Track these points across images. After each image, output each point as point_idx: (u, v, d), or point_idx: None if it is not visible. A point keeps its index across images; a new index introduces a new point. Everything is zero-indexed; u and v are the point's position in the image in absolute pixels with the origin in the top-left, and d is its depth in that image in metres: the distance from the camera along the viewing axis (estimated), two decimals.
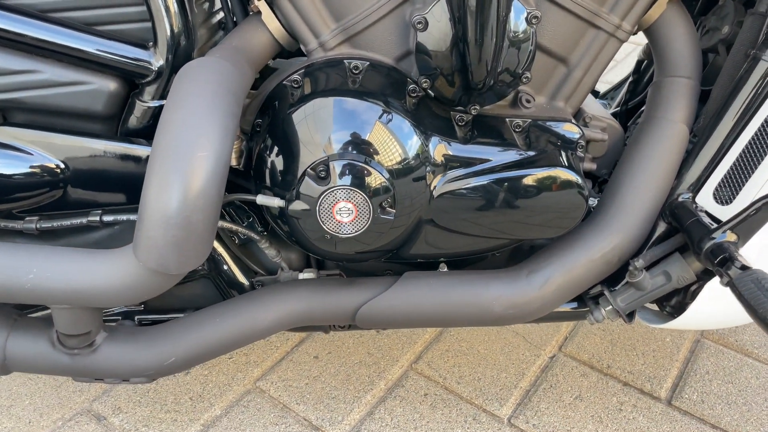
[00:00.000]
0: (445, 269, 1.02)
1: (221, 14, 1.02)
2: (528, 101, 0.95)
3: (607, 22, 0.91)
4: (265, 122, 0.91)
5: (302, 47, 0.93)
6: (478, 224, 0.91)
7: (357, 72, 0.90)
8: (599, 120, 1.01)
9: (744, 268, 0.79)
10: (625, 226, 0.94)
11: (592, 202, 1.01)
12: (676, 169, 0.95)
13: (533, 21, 0.85)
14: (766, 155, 0.88)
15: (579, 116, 1.01)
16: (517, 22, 0.84)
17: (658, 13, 0.94)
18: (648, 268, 0.95)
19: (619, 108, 1.24)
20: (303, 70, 0.91)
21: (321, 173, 0.83)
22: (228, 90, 0.79)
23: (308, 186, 0.83)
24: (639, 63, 1.22)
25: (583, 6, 0.90)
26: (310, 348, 1.31)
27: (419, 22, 0.85)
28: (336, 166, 0.83)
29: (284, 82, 0.91)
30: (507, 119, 0.94)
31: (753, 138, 0.88)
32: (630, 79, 1.24)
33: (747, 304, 0.75)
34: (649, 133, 0.97)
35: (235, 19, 1.00)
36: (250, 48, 0.91)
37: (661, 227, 0.97)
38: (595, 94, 1.36)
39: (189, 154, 0.73)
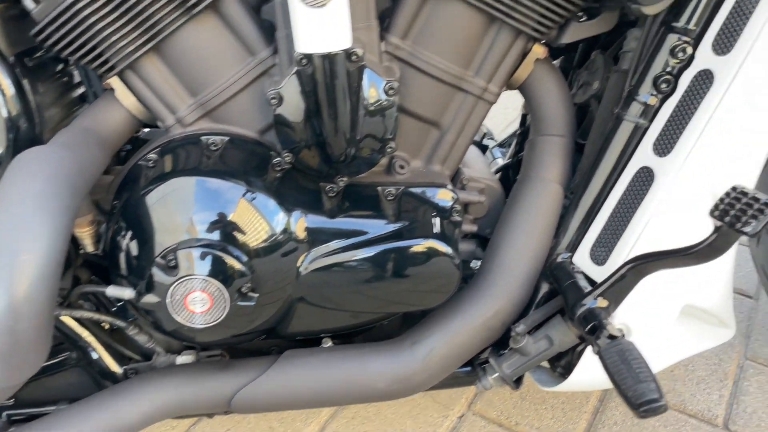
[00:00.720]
0: (330, 344, 0.98)
1: (82, 88, 0.97)
2: (402, 167, 0.93)
3: (474, 85, 0.90)
4: (119, 204, 0.85)
5: (159, 124, 0.89)
6: (350, 300, 0.87)
7: (215, 148, 0.86)
8: (477, 181, 1.00)
9: (611, 337, 0.77)
10: (506, 290, 0.92)
11: (476, 264, 0.98)
12: (553, 228, 0.94)
13: (390, 92, 0.83)
14: (634, 215, 0.87)
15: (457, 178, 0.99)
16: (374, 93, 0.82)
17: (527, 72, 0.93)
18: (532, 331, 0.93)
19: (510, 159, 1.24)
20: (159, 149, 0.86)
21: (171, 262, 0.78)
22: (62, 181, 0.74)
23: (158, 277, 0.78)
24: (524, 116, 1.22)
25: (447, 71, 0.88)
26: (207, 427, 1.24)
27: (273, 98, 0.81)
28: (186, 254, 0.78)
29: (140, 162, 0.87)
30: (380, 187, 0.91)
31: (622, 197, 0.88)
32: (518, 131, 1.24)
33: (611, 376, 0.73)
34: (525, 193, 0.95)
35: (95, 92, 0.96)
36: (104, 128, 0.86)
37: (545, 288, 0.95)
38: (479, 147, 1.35)
39: (10, 258, 0.68)
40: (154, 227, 0.80)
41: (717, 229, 0.69)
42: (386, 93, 0.83)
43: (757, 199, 0.65)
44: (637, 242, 0.86)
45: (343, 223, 0.87)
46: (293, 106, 0.82)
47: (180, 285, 0.78)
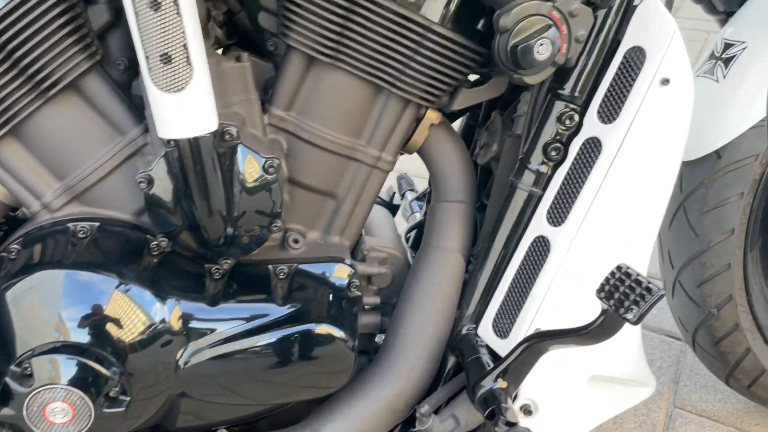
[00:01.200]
0: None
1: None
2: (297, 241, 0.88)
3: (366, 155, 0.86)
4: None
5: (24, 210, 0.82)
6: (238, 392, 0.81)
7: (83, 236, 0.79)
8: (379, 250, 0.95)
9: (509, 424, 0.73)
10: (408, 368, 0.87)
11: (381, 338, 0.94)
12: (455, 299, 0.90)
13: (271, 170, 0.78)
14: (533, 287, 0.84)
15: (358, 248, 0.94)
16: (253, 172, 0.78)
17: (422, 138, 0.90)
18: (438, 410, 0.88)
19: (424, 217, 1.20)
20: (21, 238, 0.79)
21: (26, 370, 0.71)
22: None
23: (13, 386, 0.71)
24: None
25: (336, 142, 0.84)
26: None
27: (141, 181, 0.76)
28: (42, 361, 0.71)
29: (1, 253, 0.80)
30: (271, 265, 0.86)
31: (520, 268, 0.85)
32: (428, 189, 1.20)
33: None
34: (425, 263, 0.91)
35: None
36: None
37: (452, 361, 0.91)
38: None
39: None
40: (12, 329, 0.73)
41: (603, 312, 0.66)
42: (266, 171, 0.78)
43: (639, 283, 0.63)
44: (537, 315, 0.82)
45: (226, 309, 0.81)
46: (165, 189, 0.76)
47: (37, 396, 0.70)
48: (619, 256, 0.78)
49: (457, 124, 1.11)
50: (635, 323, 0.62)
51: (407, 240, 1.17)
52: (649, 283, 0.62)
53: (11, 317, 0.73)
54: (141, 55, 0.67)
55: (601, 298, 0.66)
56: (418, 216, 1.25)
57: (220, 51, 0.84)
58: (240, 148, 0.77)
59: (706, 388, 1.36)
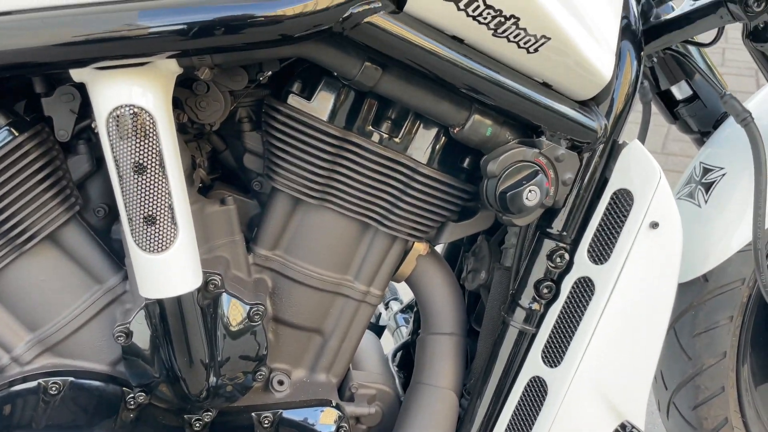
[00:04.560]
0: None
1: None
2: (281, 382, 0.84)
3: (354, 290, 0.84)
4: None
5: None
6: None
7: (55, 392, 0.74)
8: (368, 387, 0.92)
9: None
10: None
11: None
12: None
13: (256, 317, 0.75)
14: (536, 421, 0.81)
15: (345, 384, 0.91)
16: (237, 319, 0.75)
17: (410, 269, 0.88)
18: None
19: (410, 337, 1.17)
20: None
21: None
22: None
23: None
24: None
25: (323, 279, 0.82)
26: None
27: (120, 335, 0.72)
28: None
29: None
30: (255, 413, 0.82)
31: (517, 408, 0.82)
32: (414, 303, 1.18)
33: None
34: (417, 401, 0.88)
35: None
36: None
37: None
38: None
39: None
40: None
41: None
42: (251, 319, 0.75)
43: None
44: None
45: None
46: (143, 341, 0.73)
47: None
48: (619, 397, 0.76)
49: None
50: None
51: (394, 358, 1.14)
52: None
53: None
54: (123, 216, 0.65)
55: None
56: (404, 331, 1.23)
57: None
58: (224, 297, 0.74)
59: None
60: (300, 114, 0.73)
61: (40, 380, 0.75)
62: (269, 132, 0.75)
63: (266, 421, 0.81)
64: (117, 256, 0.77)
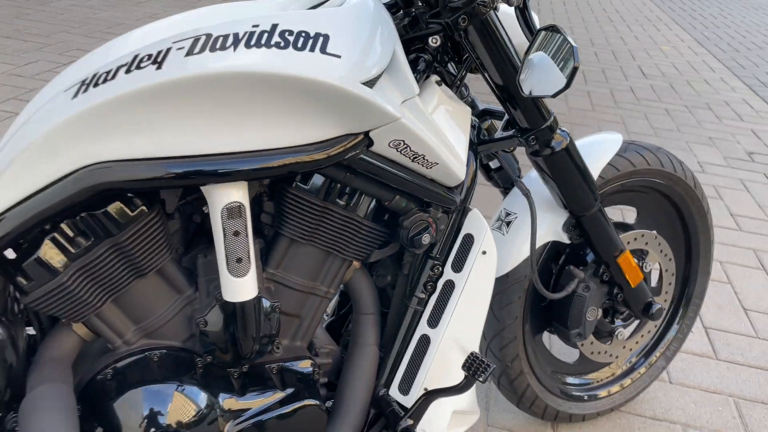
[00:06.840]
0: None
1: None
2: (278, 347, 1.41)
3: (321, 290, 1.42)
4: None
5: (108, 345, 1.25)
6: None
7: (156, 360, 1.24)
8: (325, 347, 1.52)
9: None
10: (351, 417, 1.44)
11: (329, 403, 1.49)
12: (374, 375, 1.49)
13: (276, 310, 1.32)
14: (420, 366, 1.47)
15: (312, 348, 1.50)
16: (267, 313, 1.30)
17: (350, 276, 1.49)
18: None
19: (333, 317, 1.78)
20: (113, 365, 1.22)
21: None
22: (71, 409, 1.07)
23: None
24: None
25: (305, 285, 1.39)
26: None
27: (201, 322, 1.24)
28: None
29: (100, 376, 1.21)
30: (267, 365, 1.38)
31: (412, 356, 1.47)
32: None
33: None
34: (356, 355, 1.49)
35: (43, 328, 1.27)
36: (60, 352, 1.20)
37: (372, 413, 1.49)
38: None
39: None
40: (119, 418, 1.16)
41: (465, 377, 1.32)
42: (274, 311, 1.31)
43: (483, 362, 1.29)
44: (426, 379, 1.45)
45: (250, 397, 1.31)
46: (215, 326, 1.26)
47: None
48: (466, 342, 1.45)
49: None
50: (483, 382, 1.28)
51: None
52: (488, 362, 1.29)
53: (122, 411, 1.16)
54: (221, 257, 1.18)
55: (464, 369, 1.31)
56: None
57: None
58: (262, 300, 1.29)
59: (507, 410, 2.11)
60: (303, 194, 1.30)
61: (146, 353, 1.24)
62: (283, 203, 1.31)
63: (274, 369, 1.37)
64: (189, 276, 1.28)
